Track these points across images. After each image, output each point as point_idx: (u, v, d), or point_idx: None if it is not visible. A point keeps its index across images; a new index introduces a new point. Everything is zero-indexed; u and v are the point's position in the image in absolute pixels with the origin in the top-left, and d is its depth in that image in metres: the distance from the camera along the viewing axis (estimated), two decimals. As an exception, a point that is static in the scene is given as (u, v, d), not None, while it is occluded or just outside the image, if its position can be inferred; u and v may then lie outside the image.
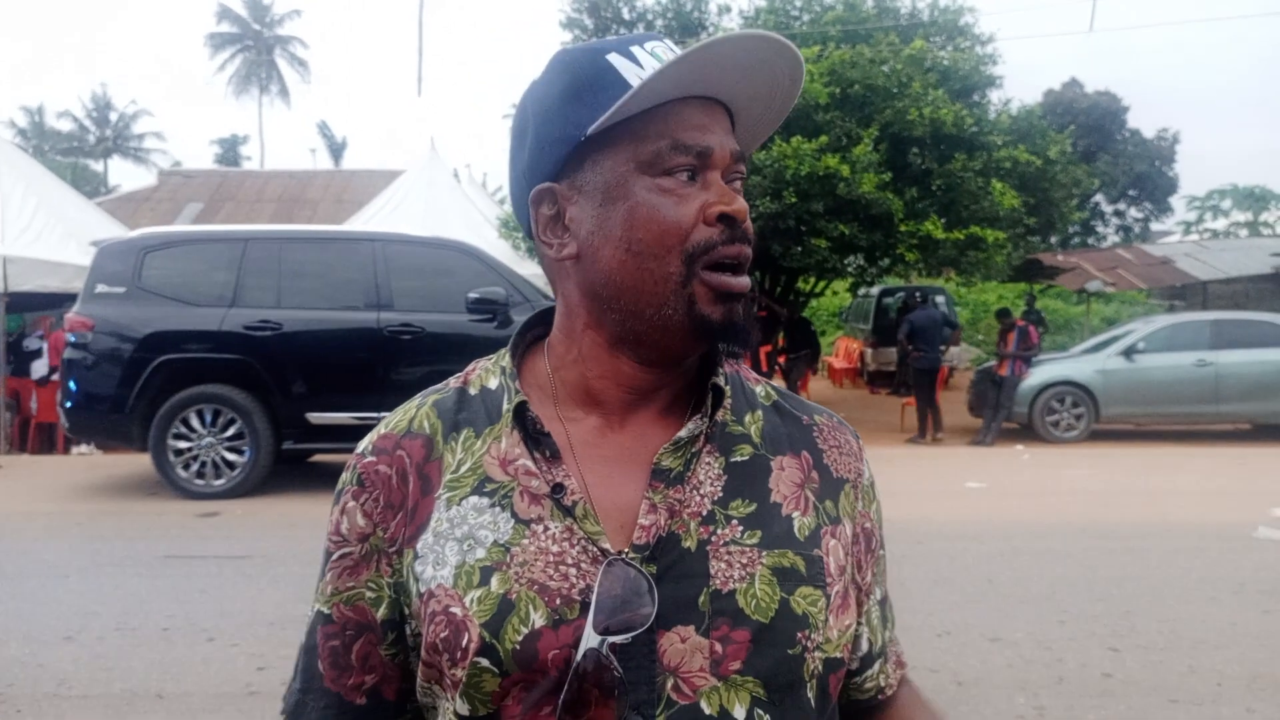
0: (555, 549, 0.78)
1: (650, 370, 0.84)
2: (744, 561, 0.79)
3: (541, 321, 0.91)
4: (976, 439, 11.87)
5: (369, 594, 0.84)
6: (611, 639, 0.74)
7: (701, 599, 0.77)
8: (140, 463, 8.20)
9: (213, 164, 43.43)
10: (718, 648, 0.77)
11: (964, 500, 7.81)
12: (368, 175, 25.20)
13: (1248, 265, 17.77)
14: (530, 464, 0.81)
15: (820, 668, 0.81)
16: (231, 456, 7.46)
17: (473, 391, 0.88)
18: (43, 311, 12.18)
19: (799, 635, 0.79)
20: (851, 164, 11.45)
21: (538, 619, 0.75)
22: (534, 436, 0.82)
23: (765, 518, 0.82)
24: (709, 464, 0.83)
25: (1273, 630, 4.41)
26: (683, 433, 0.82)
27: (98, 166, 48.56)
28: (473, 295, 7.33)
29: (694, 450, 0.83)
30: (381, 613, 0.83)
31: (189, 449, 7.40)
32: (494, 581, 0.77)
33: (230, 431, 7.43)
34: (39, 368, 11.75)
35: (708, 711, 0.76)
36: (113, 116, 49.52)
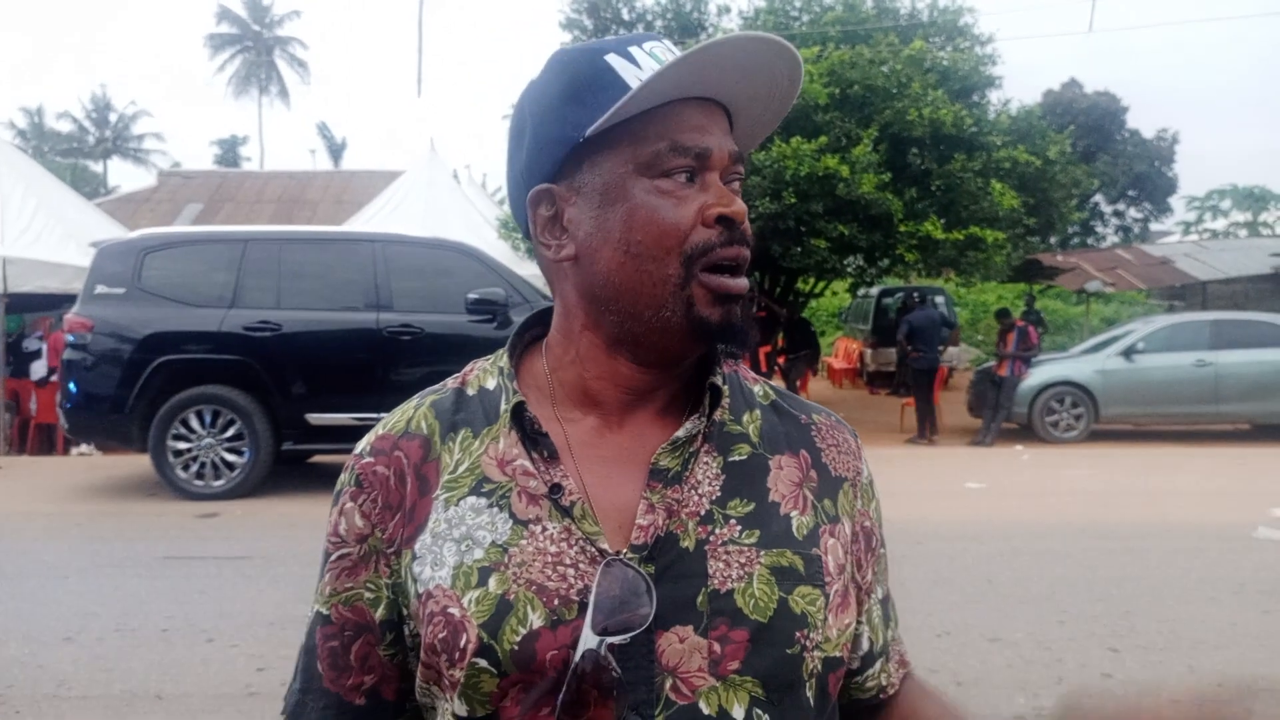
0: (553, 549, 0.78)
1: (648, 371, 0.84)
2: (742, 561, 0.79)
3: (539, 322, 0.91)
4: (976, 439, 11.87)
5: (367, 595, 0.84)
6: (610, 639, 0.74)
7: (700, 599, 0.77)
8: (140, 463, 8.19)
9: (212, 165, 43.40)
10: (716, 648, 0.76)
11: (964, 500, 7.81)
12: (367, 176, 25.18)
13: (1247, 265, 17.78)
14: (528, 464, 0.81)
15: (819, 667, 0.80)
16: (231, 457, 7.45)
17: (470, 392, 0.88)
18: (42, 312, 12.17)
19: (797, 635, 0.79)
20: (851, 164, 11.45)
21: (536, 619, 0.75)
22: (532, 437, 0.82)
23: (763, 517, 0.82)
24: (707, 464, 0.83)
25: (1273, 630, 4.41)
26: (680, 432, 0.82)
27: (97, 167, 48.54)
28: (472, 296, 7.33)
29: (692, 450, 0.83)
30: (380, 613, 0.83)
31: (188, 450, 7.40)
32: (492, 582, 0.77)
33: (230, 432, 7.42)
34: (38, 369, 11.75)
35: (706, 711, 0.76)
36: (112, 117, 49.54)
